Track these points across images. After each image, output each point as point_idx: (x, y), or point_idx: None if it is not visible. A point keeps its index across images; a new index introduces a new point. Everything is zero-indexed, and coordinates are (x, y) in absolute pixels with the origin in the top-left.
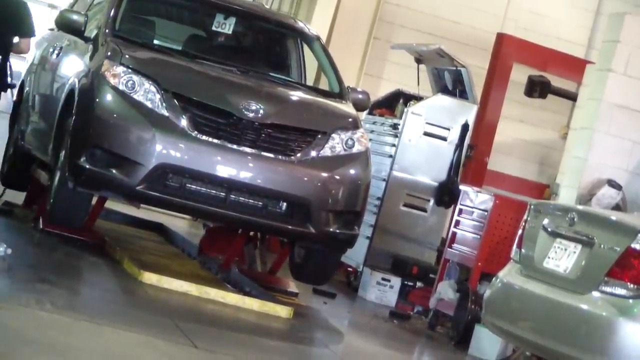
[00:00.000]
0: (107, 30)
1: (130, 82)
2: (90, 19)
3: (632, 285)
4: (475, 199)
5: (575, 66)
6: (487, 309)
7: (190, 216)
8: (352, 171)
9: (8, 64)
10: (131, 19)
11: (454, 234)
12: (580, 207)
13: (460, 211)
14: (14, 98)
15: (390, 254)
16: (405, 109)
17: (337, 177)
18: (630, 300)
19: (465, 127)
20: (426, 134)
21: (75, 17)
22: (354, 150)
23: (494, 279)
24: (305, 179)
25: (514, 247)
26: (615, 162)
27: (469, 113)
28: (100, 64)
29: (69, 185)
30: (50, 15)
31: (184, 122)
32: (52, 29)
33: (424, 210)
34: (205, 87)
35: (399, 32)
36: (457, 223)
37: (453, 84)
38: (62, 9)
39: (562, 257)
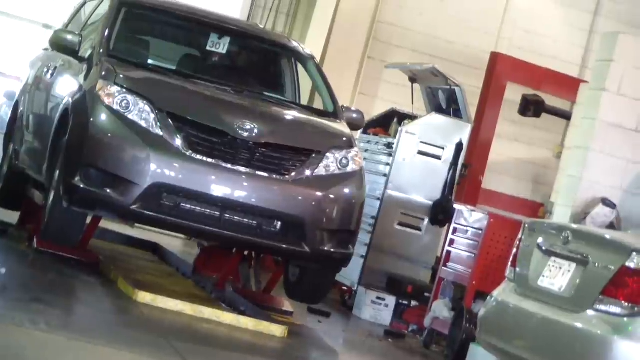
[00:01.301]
0: (101, 50)
1: (125, 101)
2: (85, 39)
3: (626, 304)
4: (470, 218)
5: (569, 85)
6: (482, 327)
7: (184, 235)
8: (346, 190)
9: None
10: (125, 39)
11: (449, 252)
12: (574, 226)
13: (455, 230)
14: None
15: (385, 273)
16: (400, 128)
17: (332, 196)
18: (625, 319)
19: (459, 146)
20: (420, 152)
21: (69, 37)
22: (349, 169)
23: (488, 297)
24: (300, 198)
25: (509, 265)
26: (610, 181)
27: (463, 132)
28: (94, 84)
29: (63, 205)
30: (44, 35)
31: (178, 142)
32: (46, 49)
33: (419, 229)
34: (199, 106)
35: (393, 52)
36: (452, 242)
37: (447, 103)
38: (56, 29)
39: (557, 276)
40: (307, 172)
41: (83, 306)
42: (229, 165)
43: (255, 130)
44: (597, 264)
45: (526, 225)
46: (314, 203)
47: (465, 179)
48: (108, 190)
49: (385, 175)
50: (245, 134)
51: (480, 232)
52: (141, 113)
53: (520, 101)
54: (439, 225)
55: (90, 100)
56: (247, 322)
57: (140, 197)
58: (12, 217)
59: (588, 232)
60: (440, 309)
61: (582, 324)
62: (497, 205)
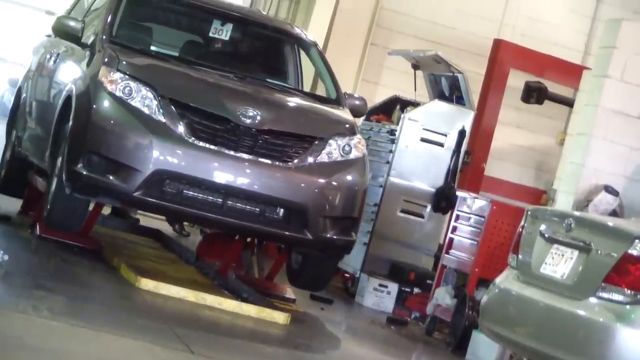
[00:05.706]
0: (104, 37)
1: (127, 88)
2: (88, 25)
3: (629, 291)
4: (472, 205)
5: (572, 72)
6: (484, 314)
7: (187, 222)
8: (349, 177)
9: None
10: (128, 25)
11: (451, 239)
12: (577, 213)
13: (457, 217)
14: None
15: (388, 260)
16: (402, 115)
17: (334, 183)
18: (628, 306)
19: (462, 133)
20: (423, 140)
21: (72, 23)
22: (351, 156)
23: (491, 284)
24: (302, 185)
25: (511, 253)
26: (612, 168)
27: (465, 119)
28: (97, 70)
29: (66, 192)
30: (47, 21)
31: (181, 129)
32: (49, 36)
33: (421, 216)
34: (202, 93)
35: (396, 38)
36: (454, 229)
37: (450, 90)
38: (59, 15)
39: (559, 263)
40: (310, 159)
41: (86, 293)
42: (232, 152)
43: (258, 117)
44: (599, 252)
45: (529, 213)
46: (316, 190)
47: (468, 166)
48: (111, 177)
49: (387, 162)
50: (248, 121)
51: (483, 219)
52: (144, 100)
53: (523, 88)
54: (441, 212)
55: (93, 87)
56: (249, 309)
57: (142, 184)
58: (15, 204)
59: (591, 219)
60: (443, 296)
61: (585, 312)
62: (499, 192)
